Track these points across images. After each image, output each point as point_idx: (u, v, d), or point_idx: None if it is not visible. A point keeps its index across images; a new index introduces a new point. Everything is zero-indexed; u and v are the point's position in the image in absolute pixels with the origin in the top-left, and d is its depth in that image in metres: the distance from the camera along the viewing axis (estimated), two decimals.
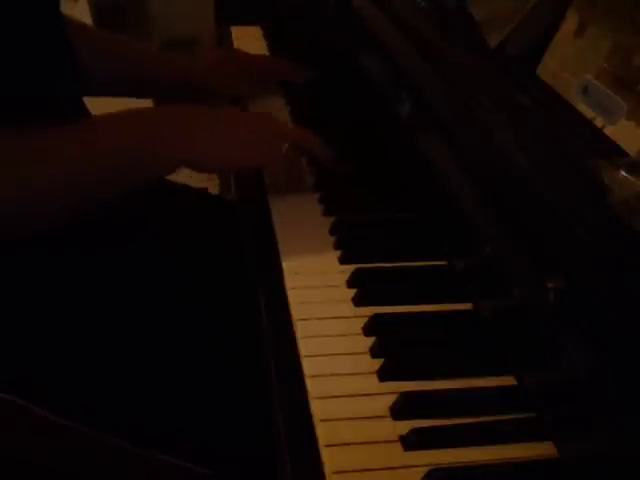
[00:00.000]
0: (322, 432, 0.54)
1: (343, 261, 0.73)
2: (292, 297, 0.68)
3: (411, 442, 0.54)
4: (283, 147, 0.78)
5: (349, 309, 0.67)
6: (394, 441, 0.54)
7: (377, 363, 0.60)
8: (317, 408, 0.56)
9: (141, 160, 0.72)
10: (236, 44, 1.33)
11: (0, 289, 0.72)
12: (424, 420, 0.55)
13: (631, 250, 0.49)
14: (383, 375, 0.59)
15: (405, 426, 0.55)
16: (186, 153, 0.74)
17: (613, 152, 0.58)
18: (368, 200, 0.85)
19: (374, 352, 0.62)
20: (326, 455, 0.53)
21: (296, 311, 0.66)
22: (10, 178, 0.66)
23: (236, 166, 0.80)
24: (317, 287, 0.69)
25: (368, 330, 0.64)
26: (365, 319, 0.65)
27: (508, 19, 0.74)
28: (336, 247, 0.75)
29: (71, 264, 0.77)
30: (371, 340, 0.63)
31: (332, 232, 0.77)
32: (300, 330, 0.64)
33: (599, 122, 0.61)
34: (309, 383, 0.59)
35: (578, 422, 0.53)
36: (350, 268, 0.71)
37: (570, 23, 0.69)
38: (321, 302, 0.67)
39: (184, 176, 0.87)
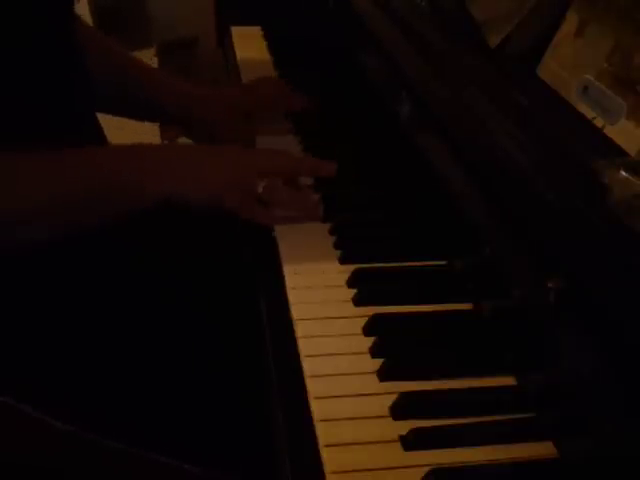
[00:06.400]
0: (322, 432, 0.54)
1: (343, 261, 0.73)
2: (292, 297, 0.68)
3: (411, 442, 0.54)
4: (260, 185, 0.76)
5: (349, 309, 0.67)
6: (394, 441, 0.54)
7: (377, 363, 0.60)
8: (317, 408, 0.56)
9: (128, 191, 0.73)
10: (236, 44, 1.33)
11: (4, 293, 0.72)
12: (424, 420, 0.55)
13: (631, 250, 0.49)
14: (383, 375, 0.59)
15: (405, 426, 0.55)
16: (168, 187, 0.73)
17: (613, 152, 0.58)
18: (368, 200, 0.85)
19: (374, 352, 0.62)
20: (326, 455, 0.53)
21: (296, 311, 0.66)
22: (10, 194, 0.67)
23: (217, 204, 0.76)
24: (317, 287, 0.69)
25: (368, 330, 0.64)
26: (365, 319, 0.65)
27: (508, 19, 0.74)
28: (336, 247, 0.75)
29: (72, 270, 0.77)
30: (371, 340, 0.63)
31: (332, 232, 0.77)
32: (300, 330, 0.64)
33: (599, 122, 0.61)
34: (309, 383, 0.59)
35: (578, 422, 0.53)
36: (350, 268, 0.71)
37: (570, 23, 0.69)
38: (321, 302, 0.67)
39: None
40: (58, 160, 0.70)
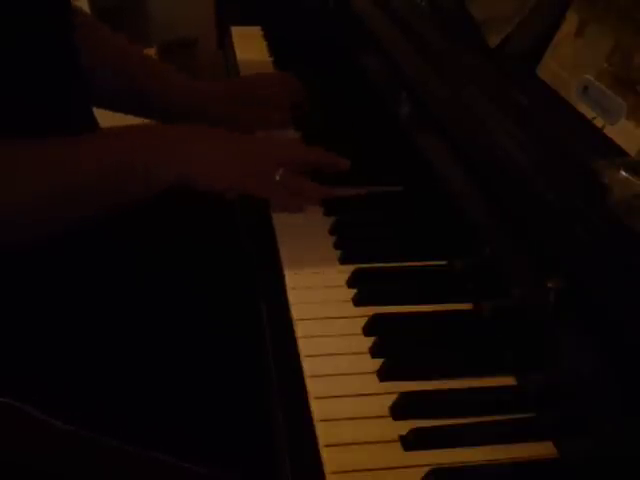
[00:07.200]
0: (322, 432, 0.54)
1: (343, 261, 0.73)
2: (292, 297, 0.68)
3: (411, 442, 0.54)
4: (277, 173, 0.77)
5: (349, 309, 0.67)
6: (394, 441, 0.54)
7: (377, 363, 0.60)
8: (317, 408, 0.56)
9: (135, 172, 0.72)
10: (236, 44, 1.33)
11: (3, 292, 0.72)
12: (424, 420, 0.55)
13: (631, 250, 0.49)
14: (383, 375, 0.59)
15: (405, 426, 0.55)
16: (182, 168, 0.74)
17: (613, 152, 0.58)
18: (368, 200, 0.85)
19: (374, 352, 0.62)
20: (326, 455, 0.53)
21: (296, 311, 0.66)
22: (10, 185, 0.66)
23: (231, 188, 0.77)
24: (317, 287, 0.69)
25: (368, 330, 0.64)
26: (365, 319, 0.65)
27: (508, 19, 0.74)
28: (336, 247, 0.75)
29: (69, 267, 0.77)
30: (371, 340, 0.63)
31: (332, 232, 0.77)
32: (300, 330, 0.64)
33: (599, 122, 0.61)
34: (309, 383, 0.59)
35: (578, 422, 0.53)
36: (350, 268, 0.71)
37: (570, 23, 0.69)
38: (321, 302, 0.67)
39: None
40: (57, 149, 0.70)
